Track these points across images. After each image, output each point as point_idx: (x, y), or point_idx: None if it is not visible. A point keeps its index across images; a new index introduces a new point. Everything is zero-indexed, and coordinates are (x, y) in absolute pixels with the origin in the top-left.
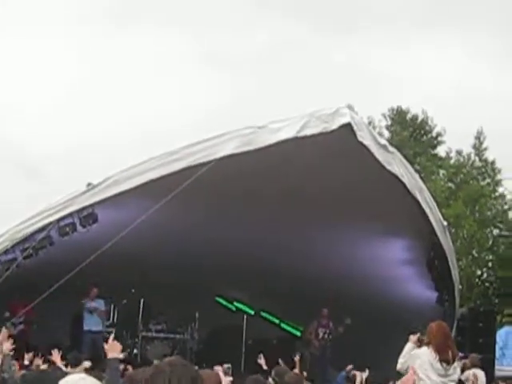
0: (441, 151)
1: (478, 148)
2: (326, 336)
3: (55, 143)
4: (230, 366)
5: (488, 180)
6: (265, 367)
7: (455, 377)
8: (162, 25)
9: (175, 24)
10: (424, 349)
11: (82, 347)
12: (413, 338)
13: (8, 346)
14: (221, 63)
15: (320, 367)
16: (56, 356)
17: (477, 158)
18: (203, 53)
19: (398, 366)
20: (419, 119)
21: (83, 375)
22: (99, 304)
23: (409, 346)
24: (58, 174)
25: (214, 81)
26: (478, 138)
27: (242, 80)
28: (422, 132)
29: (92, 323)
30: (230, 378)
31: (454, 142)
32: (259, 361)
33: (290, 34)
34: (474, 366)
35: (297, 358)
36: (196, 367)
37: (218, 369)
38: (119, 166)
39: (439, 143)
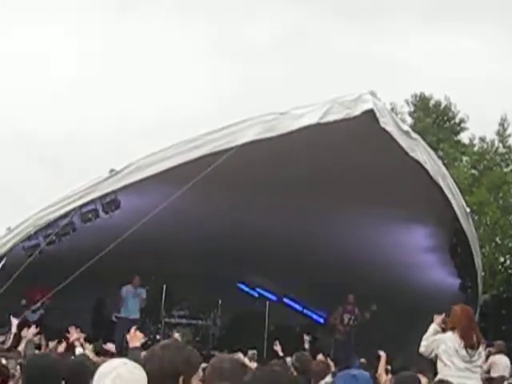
0: (464, 138)
1: (502, 134)
2: (351, 322)
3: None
4: (255, 352)
5: None
6: (281, 354)
7: (479, 362)
8: (170, 11)
9: (184, 11)
10: (449, 334)
11: (116, 334)
12: (438, 318)
13: (32, 330)
14: (231, 51)
15: (344, 353)
16: (74, 336)
17: (500, 145)
18: (212, 41)
19: (422, 349)
20: (442, 106)
21: (125, 360)
22: (141, 293)
23: (433, 327)
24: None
25: (225, 69)
26: (501, 124)
27: (256, 67)
28: (445, 118)
29: (132, 311)
30: (255, 364)
31: (477, 129)
32: (275, 347)
33: (307, 22)
34: (499, 352)
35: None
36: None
37: (240, 355)
38: (130, 156)
39: (462, 130)
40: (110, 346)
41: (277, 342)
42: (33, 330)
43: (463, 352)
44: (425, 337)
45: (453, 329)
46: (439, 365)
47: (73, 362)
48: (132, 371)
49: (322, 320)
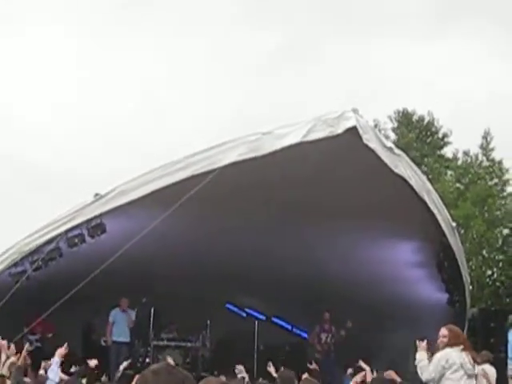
0: (448, 152)
1: (486, 148)
2: (328, 340)
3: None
4: (241, 367)
5: (496, 180)
6: (274, 375)
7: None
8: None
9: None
10: (448, 350)
11: (109, 357)
12: (422, 344)
13: (22, 355)
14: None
15: (325, 371)
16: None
17: (484, 158)
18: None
19: (428, 377)
20: (425, 121)
21: None
22: (131, 314)
23: (422, 353)
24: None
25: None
26: (485, 137)
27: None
28: (429, 133)
29: (121, 334)
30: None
31: (460, 143)
32: (269, 369)
33: (295, 36)
34: (484, 361)
35: (313, 366)
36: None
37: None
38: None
39: (446, 144)
40: (94, 362)
41: (270, 363)
42: (23, 354)
43: (468, 366)
44: (421, 365)
45: (452, 345)
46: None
47: None
48: None
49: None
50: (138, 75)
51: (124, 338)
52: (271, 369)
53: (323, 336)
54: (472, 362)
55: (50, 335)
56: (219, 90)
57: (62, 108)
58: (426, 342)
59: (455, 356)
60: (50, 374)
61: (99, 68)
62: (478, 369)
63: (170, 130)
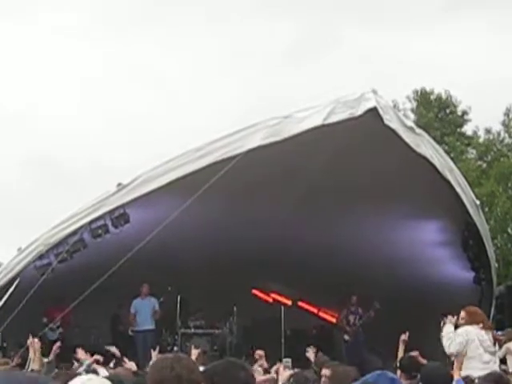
0: (468, 130)
1: (507, 125)
2: (356, 322)
3: None
4: (289, 360)
5: None
6: (312, 359)
7: (498, 355)
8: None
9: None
10: (469, 328)
11: (136, 347)
12: (451, 319)
13: (55, 349)
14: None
15: (355, 353)
16: (81, 353)
17: (506, 135)
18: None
19: (456, 347)
20: (443, 99)
21: (91, 376)
22: (153, 302)
23: (449, 326)
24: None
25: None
26: (507, 114)
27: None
28: (448, 112)
29: (145, 322)
30: (290, 372)
31: (480, 120)
32: (307, 354)
33: (313, 23)
34: (510, 339)
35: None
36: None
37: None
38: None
39: (465, 122)
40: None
41: (309, 349)
42: (54, 349)
43: (488, 343)
44: (448, 337)
45: (471, 323)
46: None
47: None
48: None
49: (335, 321)
50: (159, 68)
51: (148, 325)
52: (310, 354)
53: (351, 318)
54: (492, 340)
55: (68, 319)
56: (239, 81)
57: (88, 101)
58: (454, 317)
59: (473, 333)
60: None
61: (122, 63)
62: (505, 347)
63: (192, 122)
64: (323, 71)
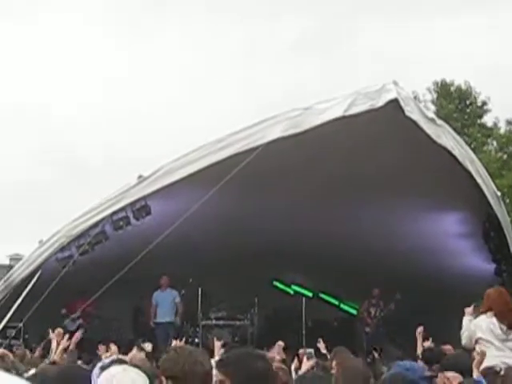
0: (488, 121)
1: None
2: (377, 314)
3: None
4: (312, 350)
5: None
6: (323, 351)
7: None
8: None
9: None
10: (482, 317)
11: (157, 339)
12: (468, 310)
13: (74, 339)
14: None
15: (376, 344)
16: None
17: None
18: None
19: (464, 342)
20: (463, 90)
21: (125, 366)
22: (174, 296)
23: (467, 318)
24: None
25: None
26: None
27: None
28: (468, 103)
29: (166, 314)
30: (312, 362)
31: (501, 111)
32: (318, 345)
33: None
34: None
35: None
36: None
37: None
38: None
39: (485, 112)
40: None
41: (320, 339)
42: (74, 338)
43: (498, 331)
44: (462, 330)
45: (487, 311)
46: (478, 349)
47: (64, 368)
48: (132, 377)
49: (356, 313)
50: (173, 62)
51: (169, 318)
52: (321, 345)
53: (372, 310)
54: (504, 327)
55: (88, 310)
56: (255, 72)
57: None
58: (471, 307)
59: (483, 321)
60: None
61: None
62: None
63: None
64: (339, 63)
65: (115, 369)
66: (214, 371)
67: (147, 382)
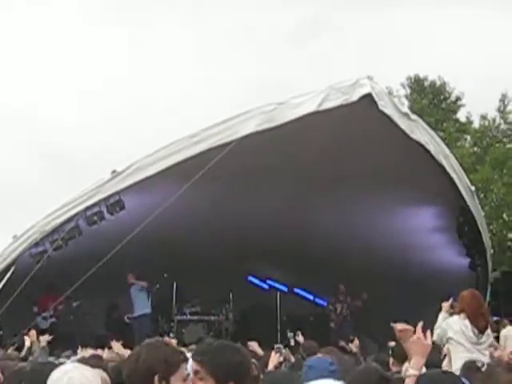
0: (462, 117)
1: (503, 111)
2: (343, 311)
3: None
4: (281, 346)
5: None
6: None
7: (488, 343)
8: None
9: None
10: (455, 317)
11: (135, 334)
12: (445, 305)
13: (46, 337)
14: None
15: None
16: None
17: (502, 121)
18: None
19: (434, 338)
20: (437, 85)
21: (77, 364)
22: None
23: (442, 315)
24: None
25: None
26: (502, 100)
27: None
28: (442, 98)
29: (142, 306)
30: (280, 357)
31: (474, 107)
32: (297, 338)
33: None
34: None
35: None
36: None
37: (253, 344)
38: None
39: (459, 108)
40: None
41: (298, 332)
42: (46, 337)
43: (470, 333)
44: (436, 326)
45: (460, 312)
46: (450, 348)
47: (33, 365)
48: (84, 374)
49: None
50: (164, 53)
51: (146, 309)
52: (300, 338)
53: (338, 307)
54: (476, 331)
55: (61, 307)
56: (245, 62)
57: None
58: (449, 303)
59: (456, 323)
60: None
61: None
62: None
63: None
64: (313, 56)
65: (67, 366)
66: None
67: (99, 379)
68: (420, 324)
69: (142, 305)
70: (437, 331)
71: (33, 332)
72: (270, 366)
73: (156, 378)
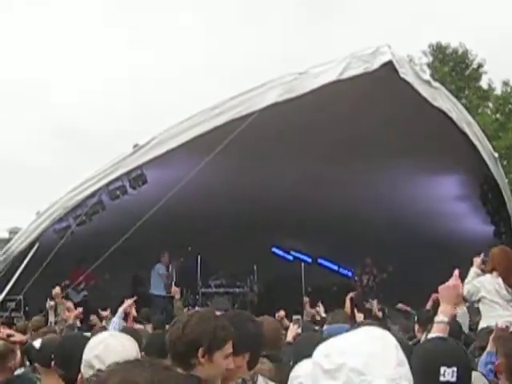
0: (483, 84)
1: None
2: (369, 283)
3: None
4: (299, 317)
5: None
6: (323, 315)
7: None
8: None
9: None
10: (488, 276)
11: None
12: (477, 260)
13: (76, 312)
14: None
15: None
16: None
17: None
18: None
19: (464, 292)
20: (459, 53)
21: (114, 332)
22: (159, 269)
23: (473, 270)
24: None
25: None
26: None
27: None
28: (464, 65)
29: (155, 287)
30: (299, 329)
31: (496, 73)
32: (317, 308)
33: None
34: None
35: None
36: None
37: (282, 314)
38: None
39: (481, 74)
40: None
41: (320, 304)
42: (77, 312)
43: (504, 292)
44: (466, 281)
45: (492, 270)
46: (482, 308)
47: (64, 338)
48: (121, 342)
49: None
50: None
51: (157, 291)
52: (320, 309)
53: (364, 279)
54: (510, 288)
55: (92, 282)
56: (256, 38)
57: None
58: (481, 258)
59: (489, 282)
60: (111, 326)
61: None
62: None
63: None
64: (337, 27)
65: (102, 334)
66: None
67: (137, 347)
68: (456, 271)
69: (155, 286)
70: (467, 286)
71: (57, 290)
72: (289, 337)
73: (200, 350)
